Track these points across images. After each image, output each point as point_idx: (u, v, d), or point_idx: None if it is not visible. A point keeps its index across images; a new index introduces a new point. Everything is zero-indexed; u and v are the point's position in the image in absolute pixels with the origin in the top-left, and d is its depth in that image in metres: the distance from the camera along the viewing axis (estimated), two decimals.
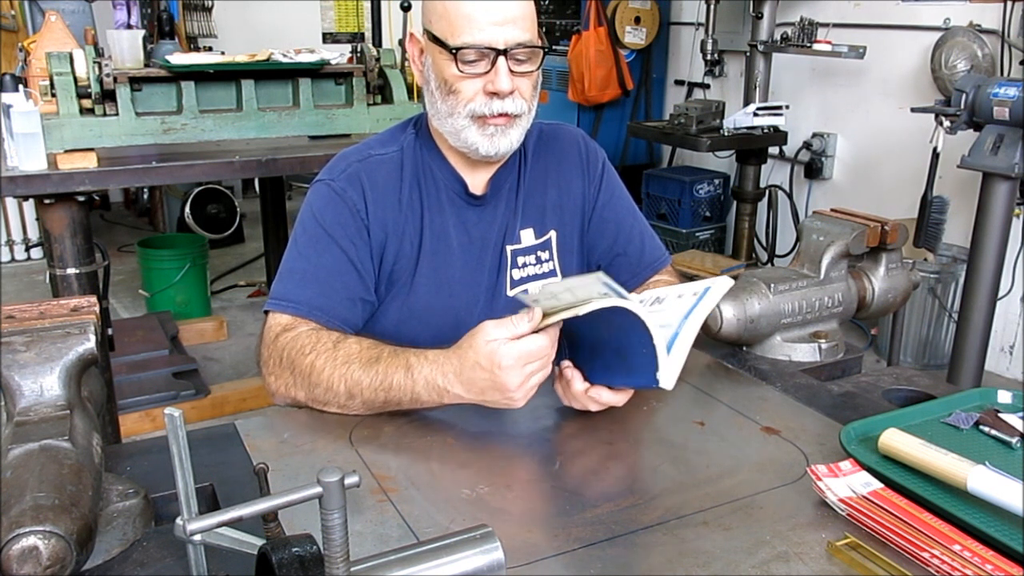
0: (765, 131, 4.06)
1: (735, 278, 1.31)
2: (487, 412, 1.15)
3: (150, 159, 2.39)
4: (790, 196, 4.44)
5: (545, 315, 1.08)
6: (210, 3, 5.06)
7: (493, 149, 1.28)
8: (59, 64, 2.24)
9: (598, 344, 1.15)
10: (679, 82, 5.24)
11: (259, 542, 0.76)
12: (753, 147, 4.17)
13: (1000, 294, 2.95)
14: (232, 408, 3.21)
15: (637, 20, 5.01)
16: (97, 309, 0.99)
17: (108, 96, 2.30)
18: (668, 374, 1.06)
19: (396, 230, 1.32)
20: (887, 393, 1.37)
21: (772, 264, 4.52)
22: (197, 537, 0.72)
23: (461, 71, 1.23)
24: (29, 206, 4.87)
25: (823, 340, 1.48)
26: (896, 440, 1.01)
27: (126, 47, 2.36)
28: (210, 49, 3.63)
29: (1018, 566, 0.83)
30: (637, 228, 1.49)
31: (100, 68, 2.26)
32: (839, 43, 3.78)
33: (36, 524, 0.72)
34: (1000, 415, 1.13)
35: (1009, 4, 3.41)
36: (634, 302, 1.05)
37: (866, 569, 0.85)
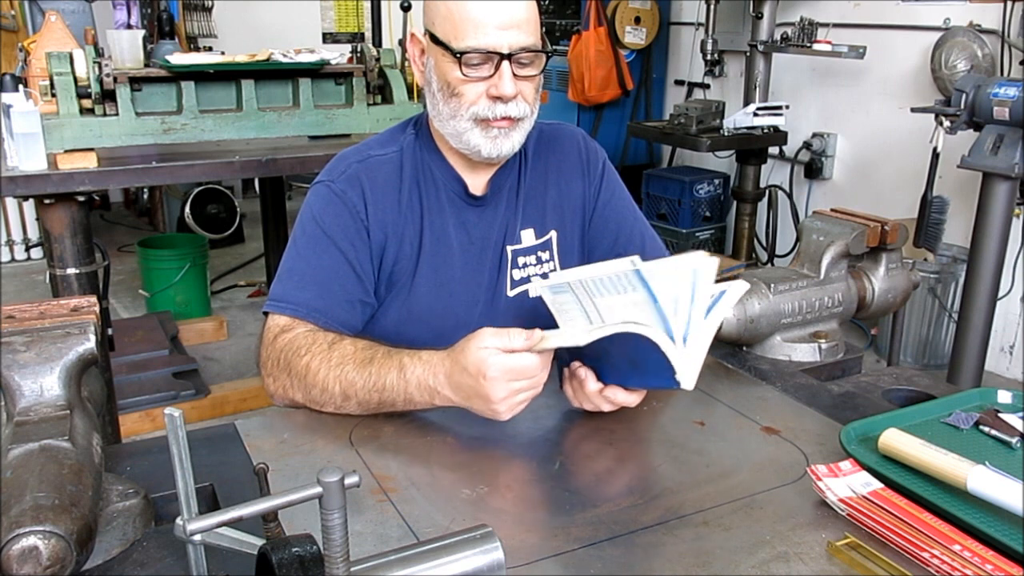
0: (765, 131, 4.07)
1: (735, 278, 1.31)
2: None
3: (150, 159, 2.39)
4: (790, 196, 4.44)
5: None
6: (210, 3, 5.06)
7: (496, 151, 1.28)
8: (59, 64, 2.24)
9: (607, 348, 1.15)
10: (679, 82, 5.24)
11: (259, 542, 0.76)
12: (753, 147, 4.17)
13: (1000, 294, 2.95)
14: (232, 408, 3.21)
15: (637, 20, 5.01)
16: (97, 309, 0.99)
17: (108, 96, 2.30)
18: (688, 374, 1.04)
19: (396, 231, 1.32)
20: (887, 393, 1.37)
21: (772, 264, 4.52)
22: (197, 537, 0.72)
23: (465, 75, 1.23)
24: (29, 206, 4.87)
25: (823, 340, 1.48)
26: (896, 440, 1.01)
27: (126, 47, 2.36)
28: (210, 49, 3.62)
29: (1018, 566, 0.83)
30: (638, 228, 1.49)
31: (100, 68, 2.26)
32: (839, 43, 3.78)
33: (36, 524, 0.72)
34: (1000, 415, 1.13)
35: (1009, 4, 3.41)
36: (648, 326, 1.01)
37: (866, 569, 0.85)
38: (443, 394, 1.11)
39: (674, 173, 4.79)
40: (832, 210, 1.61)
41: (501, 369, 1.05)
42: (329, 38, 6.02)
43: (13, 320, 0.94)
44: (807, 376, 1.38)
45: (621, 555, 0.88)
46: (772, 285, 1.45)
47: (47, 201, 2.24)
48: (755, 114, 3.99)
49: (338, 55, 2.62)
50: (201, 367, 3.45)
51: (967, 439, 1.10)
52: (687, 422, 1.20)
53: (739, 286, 1.15)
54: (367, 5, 4.04)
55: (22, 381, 0.90)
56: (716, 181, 4.68)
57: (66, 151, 2.23)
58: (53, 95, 2.25)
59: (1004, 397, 1.19)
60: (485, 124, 1.26)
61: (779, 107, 4.05)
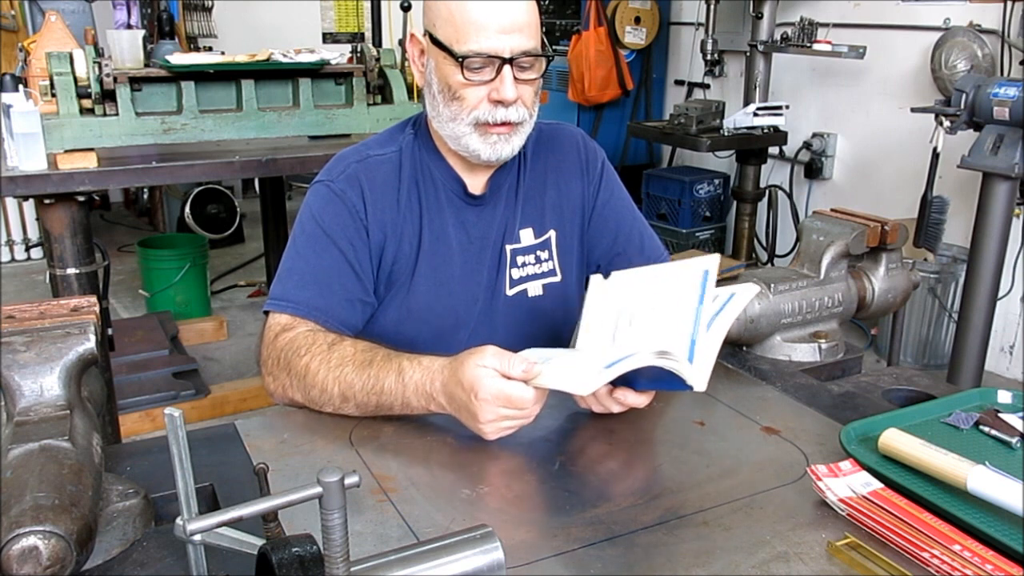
0: (765, 131, 4.07)
1: (735, 278, 1.31)
2: None
3: (150, 159, 2.39)
4: (790, 196, 4.44)
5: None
6: (210, 3, 5.06)
7: (495, 155, 1.28)
8: (59, 64, 2.24)
9: None
10: (679, 82, 5.24)
11: (259, 542, 0.76)
12: (753, 147, 4.17)
13: (1000, 294, 2.95)
14: (232, 408, 3.21)
15: (637, 20, 5.01)
16: (97, 309, 0.99)
17: (108, 96, 2.30)
18: (699, 379, 1.06)
19: (395, 230, 1.32)
20: (887, 393, 1.37)
21: (772, 264, 4.52)
22: (197, 537, 0.72)
23: (467, 79, 1.23)
24: (29, 206, 4.87)
25: (823, 340, 1.48)
26: (896, 440, 1.01)
27: (126, 47, 2.36)
28: (210, 49, 3.62)
29: (1018, 566, 0.83)
30: (636, 228, 1.49)
31: (100, 68, 2.26)
32: (839, 43, 3.78)
33: (36, 524, 0.72)
34: (1000, 415, 1.13)
35: (1009, 4, 3.41)
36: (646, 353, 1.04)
37: (866, 569, 0.85)
38: (438, 401, 1.11)
39: (674, 173, 4.79)
40: (832, 210, 1.61)
41: (492, 392, 1.04)
42: (329, 38, 6.02)
43: (13, 320, 0.94)
44: (807, 376, 1.38)
45: (621, 555, 0.88)
46: (772, 285, 1.45)
47: (47, 201, 2.24)
48: (755, 114, 3.99)
49: (338, 55, 2.62)
50: (201, 367, 3.45)
51: (967, 439, 1.10)
52: (687, 422, 1.20)
53: (748, 289, 1.15)
54: (367, 5, 4.04)
55: (22, 381, 0.90)
56: (716, 181, 4.68)
57: (66, 151, 2.23)
58: (53, 95, 2.25)
59: (1004, 397, 1.19)
60: (485, 129, 1.26)
61: (779, 107, 4.05)
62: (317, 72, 2.56)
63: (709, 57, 4.43)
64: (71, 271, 2.30)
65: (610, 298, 1.16)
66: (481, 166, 1.35)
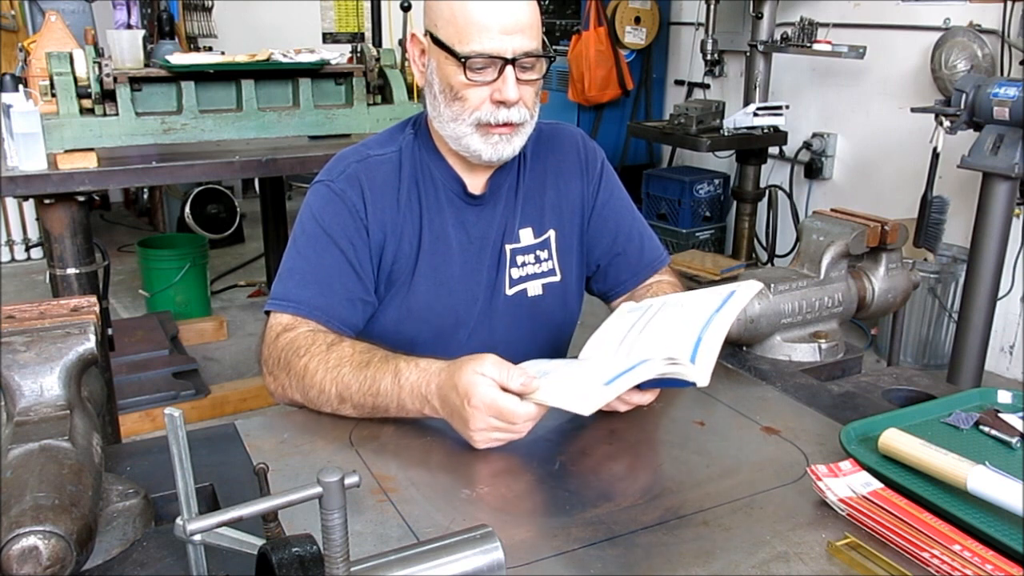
0: (765, 131, 4.07)
1: (734, 278, 1.31)
2: None
3: (150, 159, 2.39)
4: (790, 196, 4.44)
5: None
6: (210, 3, 5.06)
7: (496, 156, 1.28)
8: (59, 64, 2.24)
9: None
10: (679, 82, 5.24)
11: (259, 542, 0.76)
12: (753, 147, 4.17)
13: (1000, 294, 2.95)
14: (232, 408, 3.21)
15: (637, 20, 5.01)
16: (97, 309, 0.99)
17: (108, 96, 2.30)
18: (701, 375, 1.07)
19: (395, 230, 1.32)
20: (887, 393, 1.37)
21: (772, 264, 4.52)
22: (197, 537, 0.72)
23: (469, 79, 1.22)
24: (29, 206, 4.86)
25: (823, 340, 1.48)
26: (896, 440, 1.01)
27: (126, 47, 2.36)
28: (210, 49, 3.62)
29: (1018, 566, 0.83)
30: (636, 228, 1.49)
31: (100, 68, 2.26)
32: (839, 43, 3.78)
33: (36, 524, 0.72)
34: (1000, 415, 1.13)
35: (1009, 4, 3.41)
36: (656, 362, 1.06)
37: (866, 569, 0.85)
38: (432, 404, 1.11)
39: (674, 173, 4.79)
40: (832, 210, 1.61)
41: (485, 402, 1.04)
42: (329, 38, 6.02)
43: (13, 320, 0.94)
44: (807, 376, 1.38)
45: (621, 555, 0.88)
46: (772, 285, 1.45)
47: (47, 201, 2.24)
48: (755, 114, 3.99)
49: (338, 55, 2.62)
50: (201, 367, 3.45)
51: (967, 439, 1.10)
52: (687, 422, 1.20)
53: (750, 286, 1.16)
54: (367, 5, 4.04)
55: (22, 381, 0.90)
56: (716, 181, 4.68)
57: (66, 151, 2.23)
58: (53, 95, 2.25)
59: (1004, 397, 1.19)
60: (486, 129, 1.26)
61: (779, 107, 4.05)
62: (317, 72, 2.56)
63: (709, 57, 4.43)
64: (71, 271, 2.30)
65: (634, 315, 1.18)
66: (481, 166, 1.35)
